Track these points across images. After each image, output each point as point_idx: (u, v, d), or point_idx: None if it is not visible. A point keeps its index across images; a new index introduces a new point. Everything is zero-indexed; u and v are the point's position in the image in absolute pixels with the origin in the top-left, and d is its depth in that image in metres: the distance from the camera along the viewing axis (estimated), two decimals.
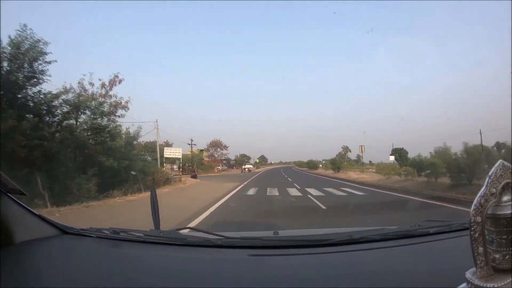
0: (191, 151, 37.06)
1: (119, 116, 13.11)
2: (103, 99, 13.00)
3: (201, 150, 44.52)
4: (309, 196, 9.98)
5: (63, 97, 10.49)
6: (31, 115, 9.17)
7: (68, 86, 11.50)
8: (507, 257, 0.46)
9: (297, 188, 12.91)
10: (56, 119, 10.25)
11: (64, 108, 10.53)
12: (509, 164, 0.48)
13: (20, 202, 1.07)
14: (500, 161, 0.48)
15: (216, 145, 56.33)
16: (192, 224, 4.90)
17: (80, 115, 11.25)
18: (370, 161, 48.72)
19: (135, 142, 16.86)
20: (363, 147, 28.68)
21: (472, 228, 0.47)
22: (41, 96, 9.55)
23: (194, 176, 23.63)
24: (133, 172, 12.44)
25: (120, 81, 14.11)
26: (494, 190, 0.47)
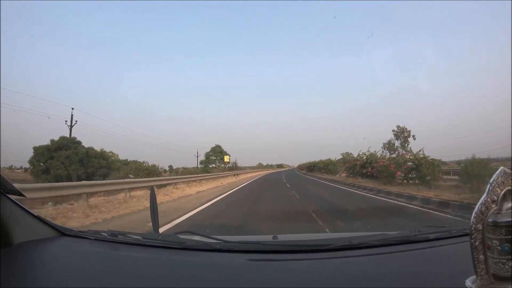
0: None
1: None
2: None
3: None
4: None
5: None
6: None
7: None
8: (508, 265, 0.46)
9: None
10: None
11: None
12: (510, 171, 0.48)
13: (19, 203, 1.07)
14: (501, 168, 0.48)
15: None
16: None
17: None
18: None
19: None
20: None
21: (473, 236, 0.47)
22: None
23: None
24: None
25: None
26: (495, 197, 0.47)
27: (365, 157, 16.72)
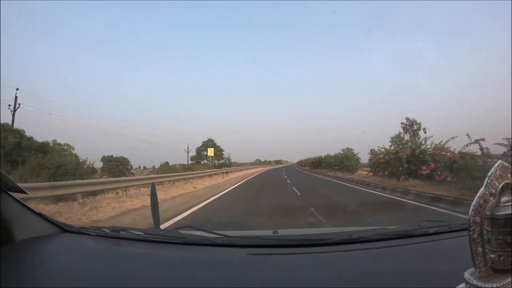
0: None
1: None
2: None
3: None
4: None
5: None
6: None
7: None
8: (506, 258, 0.46)
9: None
10: None
11: None
12: (509, 165, 0.48)
13: (20, 200, 1.07)
14: (499, 161, 0.48)
15: None
16: None
17: None
18: None
19: None
20: None
21: (471, 229, 0.47)
22: None
23: None
24: None
25: None
26: (493, 190, 0.47)
27: (409, 148, 11.84)
